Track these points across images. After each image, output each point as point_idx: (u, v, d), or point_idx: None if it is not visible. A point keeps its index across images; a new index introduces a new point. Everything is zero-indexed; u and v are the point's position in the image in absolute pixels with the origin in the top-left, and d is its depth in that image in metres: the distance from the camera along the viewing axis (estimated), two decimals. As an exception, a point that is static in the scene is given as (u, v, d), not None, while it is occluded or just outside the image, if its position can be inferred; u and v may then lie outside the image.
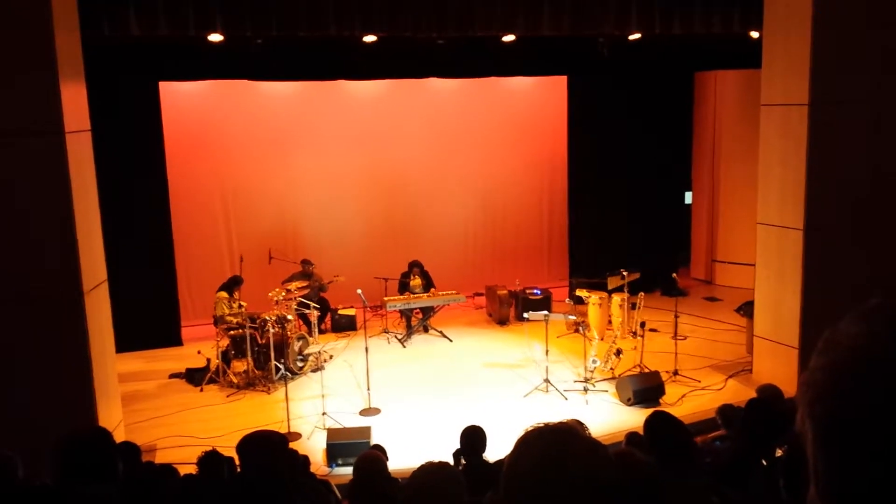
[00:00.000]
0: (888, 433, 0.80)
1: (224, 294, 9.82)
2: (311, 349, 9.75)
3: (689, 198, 13.77)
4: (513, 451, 1.41)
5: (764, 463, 4.09)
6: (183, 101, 11.18)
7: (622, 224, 12.51)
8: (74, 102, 6.96)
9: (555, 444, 1.37)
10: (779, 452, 4.27)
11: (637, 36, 10.08)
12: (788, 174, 8.43)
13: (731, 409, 6.04)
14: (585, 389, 8.84)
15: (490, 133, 12.76)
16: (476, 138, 12.70)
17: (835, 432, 0.84)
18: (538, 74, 12.61)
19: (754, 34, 9.81)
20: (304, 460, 6.08)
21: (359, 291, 9.16)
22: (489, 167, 12.88)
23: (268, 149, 11.77)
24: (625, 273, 10.22)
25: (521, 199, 13.19)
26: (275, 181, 11.91)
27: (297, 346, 9.68)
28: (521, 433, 1.47)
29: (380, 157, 12.31)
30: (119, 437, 6.82)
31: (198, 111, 11.41)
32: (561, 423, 1.46)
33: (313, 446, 7.69)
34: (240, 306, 9.83)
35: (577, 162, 12.64)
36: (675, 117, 13.12)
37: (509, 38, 9.91)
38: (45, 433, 4.15)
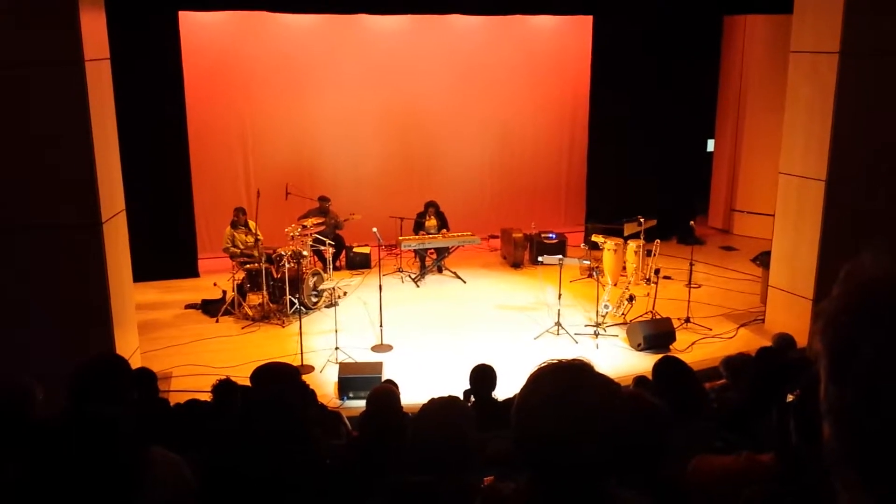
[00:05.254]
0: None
1: (229, 230, 9.94)
2: (326, 285, 9.83)
3: (711, 145, 13.56)
4: (525, 385, 1.41)
5: (774, 409, 4.11)
6: (202, 32, 11.05)
7: (641, 170, 12.36)
8: (94, 30, 6.88)
9: (568, 378, 1.38)
10: (790, 399, 4.28)
11: (666, -24, 9.81)
12: (814, 124, 8.27)
13: (737, 358, 6.03)
14: (596, 334, 8.89)
15: (511, 73, 12.56)
16: (497, 78, 12.51)
17: (844, 356, 0.83)
18: (563, 13, 12.32)
19: (788, -23, 9.51)
20: (312, 393, 6.16)
21: (374, 230, 9.18)
22: (509, 107, 12.72)
23: (286, 83, 11.66)
24: (641, 220, 10.15)
25: (540, 142, 13.06)
26: (293, 116, 11.84)
27: (311, 281, 9.76)
28: (533, 369, 1.47)
29: (399, 94, 12.18)
30: (135, 364, 6.95)
31: (217, 43, 11.29)
32: (574, 359, 1.46)
33: (325, 379, 7.83)
34: (256, 240, 9.89)
35: (598, 105, 12.44)
36: (701, 62, 12.83)
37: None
38: (62, 358, 4.22)
